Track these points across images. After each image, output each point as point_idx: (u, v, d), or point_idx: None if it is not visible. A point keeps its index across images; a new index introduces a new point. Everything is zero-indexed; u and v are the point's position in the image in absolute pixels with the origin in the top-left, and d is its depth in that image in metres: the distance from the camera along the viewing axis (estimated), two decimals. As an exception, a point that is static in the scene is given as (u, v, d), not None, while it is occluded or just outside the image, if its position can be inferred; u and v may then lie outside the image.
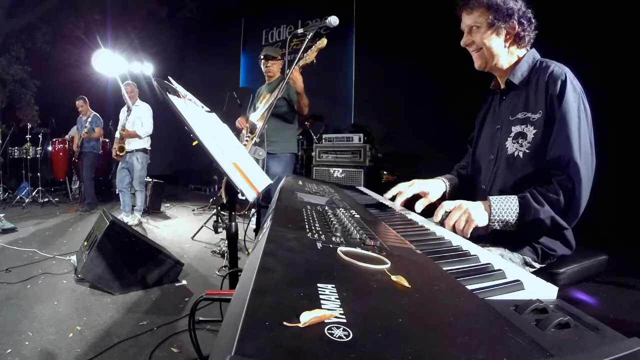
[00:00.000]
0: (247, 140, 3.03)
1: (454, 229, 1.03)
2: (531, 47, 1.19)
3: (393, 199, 1.28)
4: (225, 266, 2.82)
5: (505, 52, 1.16)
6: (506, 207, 1.03)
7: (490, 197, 1.05)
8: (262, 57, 3.04)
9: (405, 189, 1.26)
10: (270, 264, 0.45)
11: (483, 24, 1.13)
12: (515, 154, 1.13)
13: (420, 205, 1.22)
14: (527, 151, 1.10)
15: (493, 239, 1.14)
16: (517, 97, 1.17)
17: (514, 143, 1.13)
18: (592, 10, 3.17)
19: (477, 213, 1.02)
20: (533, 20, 1.13)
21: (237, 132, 3.28)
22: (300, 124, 4.54)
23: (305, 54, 2.37)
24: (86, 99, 5.23)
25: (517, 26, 1.11)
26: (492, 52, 1.16)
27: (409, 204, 1.31)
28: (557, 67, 1.07)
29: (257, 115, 2.86)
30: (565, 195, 0.98)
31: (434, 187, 1.32)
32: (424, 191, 1.28)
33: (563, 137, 1.01)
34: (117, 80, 4.67)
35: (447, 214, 1.06)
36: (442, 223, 1.07)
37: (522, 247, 1.12)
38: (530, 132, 1.09)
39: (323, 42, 2.38)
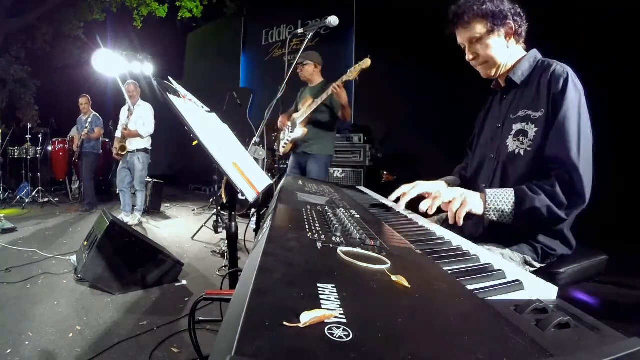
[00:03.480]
0: (287, 142, 3.20)
1: (452, 222, 1.06)
2: (527, 43, 1.21)
3: (397, 200, 1.28)
4: (225, 266, 2.82)
5: (507, 53, 1.18)
6: (502, 197, 1.04)
7: (487, 189, 1.08)
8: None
9: (409, 190, 1.25)
10: (270, 264, 0.45)
11: (483, 32, 1.14)
12: (516, 151, 1.13)
13: (424, 206, 1.22)
14: (528, 149, 1.10)
15: (493, 238, 1.14)
16: (518, 95, 1.18)
17: (515, 141, 1.13)
18: (591, 10, 3.17)
19: (472, 200, 1.05)
20: (522, 14, 1.16)
21: (277, 131, 3.48)
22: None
23: (349, 72, 2.72)
24: (89, 97, 5.24)
25: (513, 24, 1.14)
26: (497, 61, 1.18)
27: (411, 204, 1.30)
28: (559, 66, 1.08)
29: (300, 118, 3.09)
30: (563, 187, 0.99)
31: (437, 188, 1.32)
32: (427, 192, 1.28)
33: (562, 134, 1.02)
34: (117, 80, 4.67)
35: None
36: (439, 212, 1.09)
37: (522, 247, 1.12)
38: (532, 129, 1.09)
39: (367, 62, 2.61)
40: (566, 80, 1.04)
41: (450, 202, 1.06)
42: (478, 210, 1.05)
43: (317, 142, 3.12)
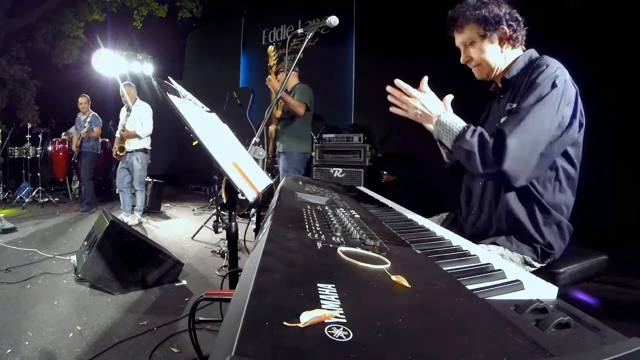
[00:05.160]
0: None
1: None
2: (526, 45, 1.21)
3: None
4: (225, 266, 2.82)
5: (502, 58, 1.19)
6: (454, 122, 1.09)
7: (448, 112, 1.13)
8: None
9: (411, 91, 1.25)
10: (270, 264, 0.45)
11: (476, 37, 1.17)
12: None
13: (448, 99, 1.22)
14: None
15: (493, 237, 1.14)
16: (511, 93, 1.19)
17: None
18: (592, 10, 3.17)
19: (432, 103, 1.14)
20: (520, 19, 1.16)
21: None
22: None
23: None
24: (89, 97, 5.24)
25: (507, 30, 1.14)
26: (490, 64, 1.19)
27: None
28: (544, 60, 1.09)
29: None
30: (494, 147, 0.99)
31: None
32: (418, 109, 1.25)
33: (515, 115, 1.03)
34: (117, 80, 4.67)
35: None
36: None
37: (522, 247, 1.12)
38: None
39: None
40: (542, 71, 1.04)
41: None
42: (434, 110, 1.13)
43: (286, 140, 3.29)
